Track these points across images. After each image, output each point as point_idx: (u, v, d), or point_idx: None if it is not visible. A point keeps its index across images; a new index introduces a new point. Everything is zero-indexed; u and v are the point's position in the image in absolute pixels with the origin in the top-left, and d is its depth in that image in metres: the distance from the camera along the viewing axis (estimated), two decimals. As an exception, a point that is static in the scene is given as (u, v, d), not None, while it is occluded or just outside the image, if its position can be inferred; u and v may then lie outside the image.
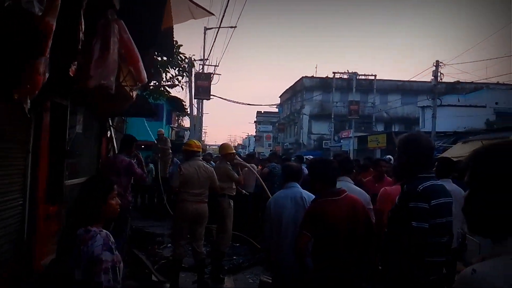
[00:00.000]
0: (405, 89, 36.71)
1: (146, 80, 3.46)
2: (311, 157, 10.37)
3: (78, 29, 2.04)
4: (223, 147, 6.71)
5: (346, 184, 3.95)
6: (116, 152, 8.03)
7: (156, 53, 6.03)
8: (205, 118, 36.05)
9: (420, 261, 2.33)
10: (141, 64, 3.18)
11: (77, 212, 2.22)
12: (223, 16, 11.70)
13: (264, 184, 7.23)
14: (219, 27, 14.34)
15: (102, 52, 2.66)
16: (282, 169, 4.06)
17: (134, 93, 6.41)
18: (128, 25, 3.05)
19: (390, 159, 8.74)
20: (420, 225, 2.33)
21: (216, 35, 20.17)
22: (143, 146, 17.01)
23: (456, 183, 5.24)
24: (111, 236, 2.23)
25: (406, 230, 2.35)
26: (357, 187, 4.30)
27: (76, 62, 2.13)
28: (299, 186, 3.52)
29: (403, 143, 2.56)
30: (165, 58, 9.47)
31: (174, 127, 28.29)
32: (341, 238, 2.77)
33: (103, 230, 2.18)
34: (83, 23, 2.06)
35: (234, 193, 6.38)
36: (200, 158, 5.89)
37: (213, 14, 3.47)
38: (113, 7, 2.73)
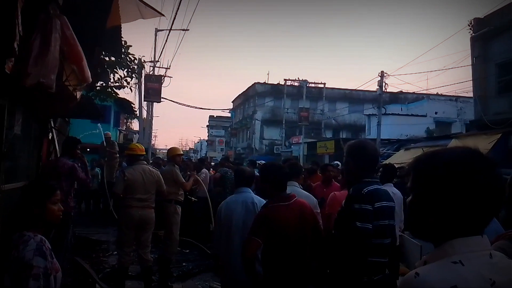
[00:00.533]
0: (353, 97, 38.12)
1: (90, 79, 3.30)
2: (263, 161, 10.44)
3: (14, 23, 1.88)
4: (171, 150, 6.60)
5: (294, 189, 4.00)
6: (58, 155, 7.63)
7: (103, 52, 5.79)
8: (155, 121, 35.18)
9: (363, 261, 2.40)
10: (85, 63, 3.02)
11: (14, 217, 2.13)
12: (175, 18, 11.50)
13: (207, 190, 7.22)
14: (170, 29, 14.09)
15: (42, 48, 2.48)
16: (234, 173, 4.02)
17: (78, 93, 6.11)
18: (72, 21, 2.89)
19: (338, 165, 8.99)
20: (364, 226, 2.42)
21: (167, 37, 19.81)
22: (88, 149, 16.32)
23: (398, 187, 5.50)
24: (46, 241, 2.12)
25: (350, 230, 2.44)
26: (304, 191, 4.37)
27: (12, 59, 1.97)
28: (251, 191, 3.51)
29: (351, 149, 2.67)
30: (113, 59, 9.14)
31: (123, 130, 27.39)
32: (291, 243, 2.78)
33: (38, 235, 2.08)
34: (19, 17, 1.91)
35: (182, 198, 6.23)
36: (145, 162, 5.71)
37: (163, 15, 3.39)
38: (55, 2, 2.57)
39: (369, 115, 28.09)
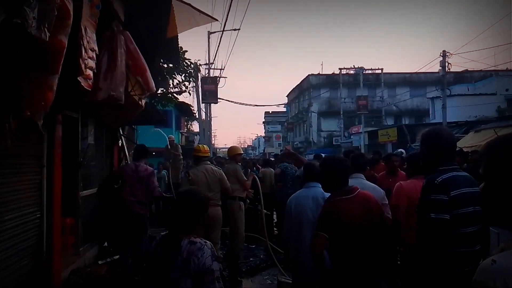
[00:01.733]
0: (413, 81, 36.34)
1: (155, 89, 3.48)
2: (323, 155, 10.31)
3: (79, 43, 2.05)
4: (231, 149, 6.76)
5: (359, 181, 3.91)
6: (128, 160, 8.09)
7: (161, 60, 6.06)
8: (214, 122, 36.05)
9: (440, 252, 2.33)
10: (148, 73, 3.20)
11: (180, 223, 2.29)
12: (226, 19, 11.75)
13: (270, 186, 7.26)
14: (223, 31, 14.40)
15: (110, 64, 2.68)
16: (304, 168, 4.05)
17: (143, 102, 6.47)
18: (133, 35, 3.07)
19: (402, 153, 8.65)
20: (439, 216, 2.34)
21: (221, 39, 20.28)
22: (154, 153, 17.15)
23: (469, 172, 5.17)
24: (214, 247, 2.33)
25: (426, 222, 2.37)
26: (370, 183, 4.25)
27: (91, 75, 2.15)
28: (320, 186, 3.51)
29: (425, 138, 2.63)
30: (171, 65, 9.54)
31: (184, 133, 28.40)
32: (357, 235, 2.76)
33: (207, 241, 2.27)
34: (84, 37, 2.08)
35: (245, 195, 6.37)
36: (208, 162, 5.90)
37: (216, 20, 3.48)
38: (118, 19, 2.75)
39: (432, 98, 26.65)
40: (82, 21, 2.02)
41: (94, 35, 2.13)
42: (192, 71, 10.39)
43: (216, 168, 5.94)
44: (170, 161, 12.10)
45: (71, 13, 1.72)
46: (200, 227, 2.33)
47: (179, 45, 9.48)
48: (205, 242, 2.25)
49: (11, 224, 3.81)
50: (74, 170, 6.08)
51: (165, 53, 4.91)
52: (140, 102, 5.74)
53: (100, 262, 6.22)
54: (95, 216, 7.03)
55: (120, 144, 8.06)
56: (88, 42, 2.06)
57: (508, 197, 1.11)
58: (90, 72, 2.13)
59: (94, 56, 2.14)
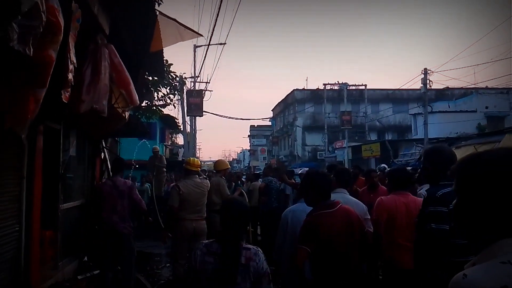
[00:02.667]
0: (396, 97, 37.09)
1: (138, 102, 3.49)
2: (305, 169, 10.37)
3: (66, 57, 2.07)
4: (218, 164, 6.78)
5: (342, 196, 3.96)
6: (110, 174, 8.00)
7: (146, 73, 6.08)
8: (199, 135, 35.90)
9: (441, 262, 2.40)
10: (132, 87, 3.22)
11: (239, 231, 2.42)
12: (212, 33, 11.90)
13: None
14: (209, 44, 14.51)
15: (93, 76, 2.69)
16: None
17: (127, 114, 6.45)
18: (118, 47, 3.09)
19: (385, 168, 8.79)
20: (440, 227, 2.45)
21: (206, 53, 20.40)
22: (137, 166, 16.98)
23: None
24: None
25: (427, 232, 2.49)
26: (353, 199, 4.31)
27: (69, 89, 2.15)
28: None
29: (428, 154, 2.84)
30: (156, 78, 9.56)
31: (168, 145, 28.21)
32: (338, 249, 2.79)
33: (258, 247, 2.45)
34: (71, 50, 2.09)
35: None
36: (197, 175, 5.89)
37: (201, 35, 3.55)
38: (102, 32, 2.77)
39: (414, 115, 27.21)
40: (69, 35, 2.04)
41: (73, 48, 2.15)
42: (177, 84, 10.41)
43: (204, 181, 5.95)
44: (154, 173, 12.03)
45: (62, 29, 1.74)
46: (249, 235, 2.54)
47: (165, 58, 9.59)
48: (257, 247, 2.43)
49: (-11, 237, 3.72)
50: (54, 182, 5.98)
51: (150, 65, 4.94)
52: (123, 115, 5.74)
53: (79, 277, 6.09)
54: (76, 229, 6.91)
55: (102, 157, 7.97)
56: (71, 55, 2.07)
57: (478, 212, 1.16)
58: (69, 85, 2.14)
59: (73, 68, 2.16)
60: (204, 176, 6.70)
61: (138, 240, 9.83)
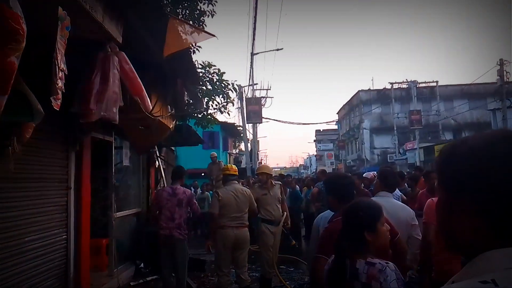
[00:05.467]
0: (471, 92, 34.30)
1: (150, 108, 3.51)
2: (374, 173, 9.82)
3: (54, 64, 2.09)
4: (259, 167, 6.69)
5: (387, 200, 3.66)
6: (165, 182, 8.24)
7: (187, 83, 6.18)
8: (265, 141, 36.29)
9: None
10: (145, 93, 3.24)
11: (353, 242, 2.11)
12: (265, 39, 11.80)
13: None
14: (265, 51, 14.53)
15: (102, 85, 2.73)
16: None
17: (173, 123, 6.60)
18: (138, 57, 3.12)
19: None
20: None
21: (262, 58, 20.37)
22: (203, 174, 17.48)
23: None
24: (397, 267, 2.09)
25: None
26: (399, 203, 3.97)
27: (59, 96, 2.18)
28: None
29: None
30: (209, 87, 9.75)
31: (232, 153, 28.78)
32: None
33: (389, 262, 2.03)
34: (60, 58, 2.12)
35: (268, 217, 6.12)
36: (236, 181, 5.82)
37: (214, 35, 3.45)
38: (113, 40, 2.81)
39: (493, 110, 24.91)
40: (57, 42, 2.07)
41: (63, 55, 2.17)
42: (230, 91, 10.49)
43: (245, 188, 5.87)
44: (213, 178, 12.24)
45: (25, 38, 1.75)
46: (369, 246, 2.08)
47: (217, 68, 9.75)
48: (387, 263, 2.00)
49: (35, 245, 3.94)
50: (108, 192, 6.28)
51: (185, 74, 5.00)
52: (168, 124, 5.86)
53: (132, 284, 6.29)
54: (131, 237, 7.19)
55: (156, 166, 8.25)
56: (59, 62, 2.10)
57: (460, 214, 0.92)
58: (59, 93, 2.16)
59: (63, 75, 2.17)
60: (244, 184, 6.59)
61: (196, 248, 10.05)
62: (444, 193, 0.97)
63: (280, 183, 6.89)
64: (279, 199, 6.27)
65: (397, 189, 6.43)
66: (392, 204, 3.65)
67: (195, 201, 5.80)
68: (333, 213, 2.83)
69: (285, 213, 6.28)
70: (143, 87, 3.17)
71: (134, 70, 3.07)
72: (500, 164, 0.86)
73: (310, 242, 3.71)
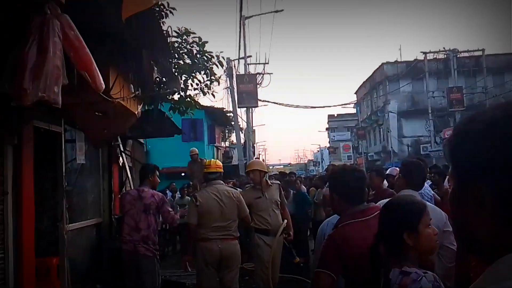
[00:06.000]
0: (528, 63, 34.48)
1: (103, 86, 3.51)
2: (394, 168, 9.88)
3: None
4: (249, 163, 6.71)
5: (410, 199, 3.71)
6: (132, 185, 8.27)
7: (156, 56, 6.17)
8: (263, 132, 36.43)
9: None
10: (95, 67, 3.23)
11: (387, 247, 2.24)
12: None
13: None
14: (261, 14, 14.47)
15: (39, 58, 2.73)
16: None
17: (139, 108, 6.61)
18: (82, 19, 3.11)
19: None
20: None
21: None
22: (183, 174, 17.48)
23: None
24: (438, 277, 2.20)
25: None
26: (429, 204, 4.00)
27: None
28: None
29: None
30: (188, 61, 9.70)
31: (220, 147, 28.80)
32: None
33: (428, 272, 2.15)
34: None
35: (263, 226, 6.14)
36: (221, 181, 5.83)
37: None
38: (54, 0, 2.80)
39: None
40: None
41: None
42: (214, 66, 10.45)
43: (231, 189, 5.88)
44: (194, 182, 12.26)
45: None
46: (410, 251, 2.18)
47: (197, 36, 9.70)
48: (425, 273, 2.11)
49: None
50: (57, 198, 6.28)
51: (151, 43, 4.99)
52: (130, 108, 5.87)
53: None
54: (89, 254, 7.22)
55: (121, 163, 8.27)
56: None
57: (476, 208, 0.94)
58: None
59: None
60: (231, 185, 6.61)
61: (176, 268, 10.12)
62: (457, 182, 1.00)
63: (279, 182, 6.92)
64: (277, 203, 6.30)
65: (428, 187, 6.51)
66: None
67: (168, 207, 5.81)
68: (339, 216, 2.87)
69: (285, 220, 6.30)
70: (92, 59, 3.16)
71: (81, 38, 3.07)
72: None
73: (314, 251, 3.77)
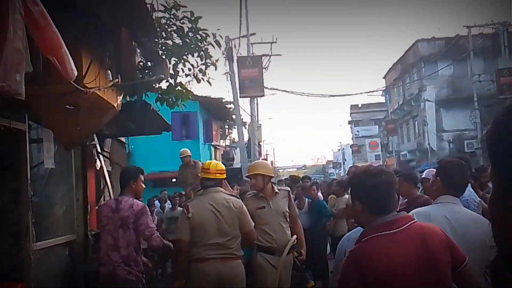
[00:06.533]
0: None
1: (74, 73, 3.52)
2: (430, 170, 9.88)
3: None
4: (250, 166, 6.78)
5: (451, 208, 3.75)
6: (111, 193, 8.30)
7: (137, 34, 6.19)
8: (270, 126, 36.52)
9: None
10: (65, 50, 3.24)
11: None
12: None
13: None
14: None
15: (-4, 39, 2.74)
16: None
17: (119, 100, 6.63)
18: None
19: None
20: None
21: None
22: (174, 180, 17.51)
23: None
24: None
25: None
26: (469, 212, 4.02)
27: None
28: None
29: None
30: (178, 41, 9.69)
31: (219, 146, 28.82)
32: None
33: None
34: None
35: (267, 243, 6.11)
36: (219, 188, 5.80)
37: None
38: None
39: None
40: None
41: None
42: (209, 47, 10.44)
43: (232, 198, 5.84)
44: (186, 190, 12.30)
45: None
46: None
47: (189, 10, 9.69)
48: None
49: None
50: (20, 211, 6.32)
51: (129, 18, 4.99)
52: (108, 99, 5.89)
53: None
54: (60, 279, 7.26)
55: (98, 167, 8.31)
56: None
57: None
58: None
59: None
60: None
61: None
62: (498, 182, 1.02)
63: (289, 189, 6.87)
64: (285, 215, 6.29)
65: (473, 193, 6.50)
66: (459, 214, 3.72)
67: (148, 220, 5.63)
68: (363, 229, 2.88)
69: (294, 236, 6.26)
70: (62, 41, 3.17)
71: (47, 14, 3.08)
72: None
73: (333, 269, 3.79)
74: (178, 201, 13.37)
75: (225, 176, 6.09)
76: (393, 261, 2.62)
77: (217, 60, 11.10)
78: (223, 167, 6.06)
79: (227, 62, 19.76)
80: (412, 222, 2.78)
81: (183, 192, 12.94)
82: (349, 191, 3.08)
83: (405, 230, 2.71)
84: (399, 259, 2.63)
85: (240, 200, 5.87)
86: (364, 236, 2.77)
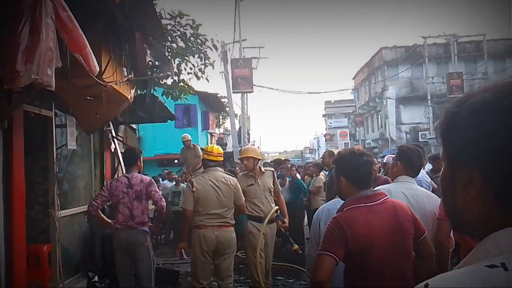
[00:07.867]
0: (530, 48, 34.48)
1: (97, 69, 3.53)
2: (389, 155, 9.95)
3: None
4: (242, 150, 6.85)
5: (408, 186, 3.75)
6: (124, 171, 8.29)
7: (150, 38, 6.18)
8: (258, 118, 36.55)
9: None
10: (89, 50, 3.25)
11: None
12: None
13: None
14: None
15: (31, 39, 2.74)
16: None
17: (131, 92, 6.62)
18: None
19: None
20: None
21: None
22: (176, 161, 17.52)
23: None
24: None
25: None
26: (423, 190, 4.06)
27: None
28: None
29: None
30: (181, 44, 9.69)
31: (214, 133, 28.80)
32: (380, 258, 2.63)
33: None
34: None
35: (256, 213, 6.22)
36: (218, 168, 5.90)
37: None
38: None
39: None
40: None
41: None
42: (208, 50, 10.43)
43: (229, 176, 5.92)
44: (187, 169, 12.33)
45: None
46: None
47: (191, 18, 9.67)
48: None
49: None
50: (48, 184, 6.31)
51: (145, 25, 4.99)
52: (123, 92, 5.88)
53: (82, 302, 6.41)
54: (81, 242, 7.27)
55: (113, 149, 8.29)
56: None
57: (465, 185, 0.99)
58: None
59: None
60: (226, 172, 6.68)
61: (170, 255, 10.20)
62: (448, 164, 1.05)
63: (273, 169, 7.00)
64: (270, 190, 6.40)
65: (425, 174, 6.57)
66: (415, 191, 3.72)
67: (156, 189, 5.80)
68: (343, 201, 2.91)
69: (276, 207, 6.38)
70: (86, 41, 3.18)
71: (74, 19, 3.08)
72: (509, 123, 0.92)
73: (309, 239, 3.80)
74: (180, 179, 13.42)
75: (223, 159, 6.21)
76: (372, 228, 2.66)
77: (214, 61, 11.13)
78: (222, 151, 6.12)
79: (222, 63, 19.76)
80: (386, 197, 2.84)
81: (184, 171, 13.04)
82: (334, 169, 3.06)
83: (382, 203, 2.76)
84: (377, 227, 2.67)
85: (235, 179, 5.96)
86: (347, 205, 2.80)
